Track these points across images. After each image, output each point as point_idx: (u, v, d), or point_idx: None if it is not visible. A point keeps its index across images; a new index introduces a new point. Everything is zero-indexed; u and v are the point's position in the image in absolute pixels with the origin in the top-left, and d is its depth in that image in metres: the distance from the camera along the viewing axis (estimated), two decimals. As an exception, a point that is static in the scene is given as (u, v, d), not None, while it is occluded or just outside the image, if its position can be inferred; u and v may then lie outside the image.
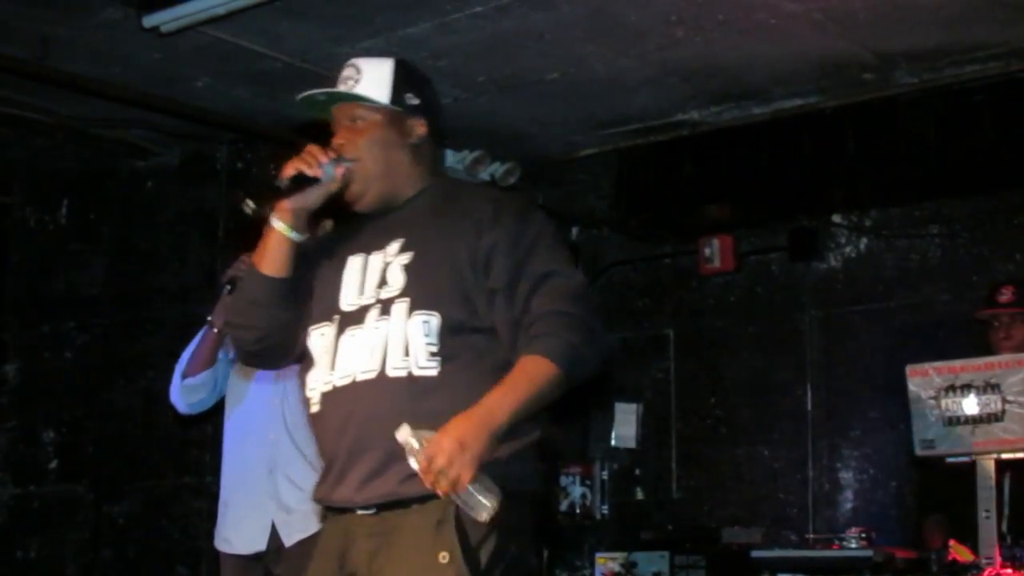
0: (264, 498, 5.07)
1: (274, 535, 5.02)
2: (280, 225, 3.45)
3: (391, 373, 3.31)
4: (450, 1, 5.79)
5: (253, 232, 3.56)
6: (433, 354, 3.30)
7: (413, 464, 3.11)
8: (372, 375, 3.33)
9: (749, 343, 7.90)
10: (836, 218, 7.76)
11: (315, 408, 3.46)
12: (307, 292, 3.55)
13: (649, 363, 8.20)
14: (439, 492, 3.10)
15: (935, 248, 7.51)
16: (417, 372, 3.29)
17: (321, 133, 3.56)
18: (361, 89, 3.55)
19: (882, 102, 7.04)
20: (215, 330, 5.11)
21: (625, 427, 8.07)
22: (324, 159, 3.42)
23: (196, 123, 7.12)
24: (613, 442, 8.07)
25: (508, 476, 3.21)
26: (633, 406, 8.09)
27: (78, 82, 6.48)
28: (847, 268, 7.70)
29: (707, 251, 7.91)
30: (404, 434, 3.11)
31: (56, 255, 8.47)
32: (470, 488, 3.09)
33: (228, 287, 4.95)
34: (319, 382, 3.43)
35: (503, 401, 3.20)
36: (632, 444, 8.07)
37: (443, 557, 3.14)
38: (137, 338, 7.85)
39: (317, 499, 3.48)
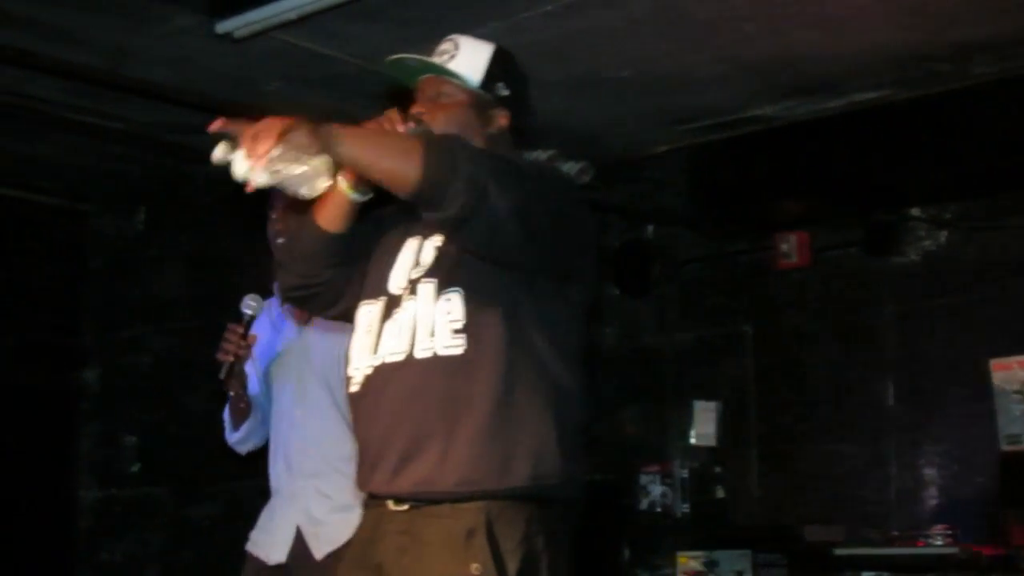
0: (291, 506, 5.09)
1: (297, 547, 5.00)
2: (343, 182, 3.36)
3: (418, 355, 3.28)
4: (521, 0, 5.79)
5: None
6: (457, 331, 3.25)
7: (220, 154, 3.06)
8: (400, 357, 3.31)
9: (827, 339, 7.85)
10: (915, 211, 7.68)
11: (354, 388, 3.45)
12: (361, 258, 3.54)
13: (727, 361, 8.15)
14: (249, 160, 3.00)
15: (1016, 240, 7.42)
16: (442, 352, 3.25)
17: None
18: (454, 65, 3.56)
19: (958, 93, 6.96)
20: (231, 394, 5.16)
21: (704, 425, 8.03)
22: (400, 127, 3.38)
23: (269, 127, 7.14)
24: (692, 440, 8.04)
25: (535, 478, 3.18)
26: (712, 404, 8.05)
27: (152, 89, 6.51)
28: (926, 262, 7.63)
29: (784, 247, 7.85)
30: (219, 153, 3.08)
31: (134, 261, 8.53)
32: (281, 158, 2.98)
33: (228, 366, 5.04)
34: (362, 363, 3.42)
35: (349, 127, 3.13)
36: (712, 442, 8.04)
37: (475, 569, 3.09)
38: (215, 341, 7.84)
39: (357, 485, 3.46)
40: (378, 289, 3.45)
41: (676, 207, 8.24)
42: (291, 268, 3.60)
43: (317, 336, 5.15)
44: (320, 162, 3.05)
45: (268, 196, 5.17)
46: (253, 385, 5.25)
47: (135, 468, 8.47)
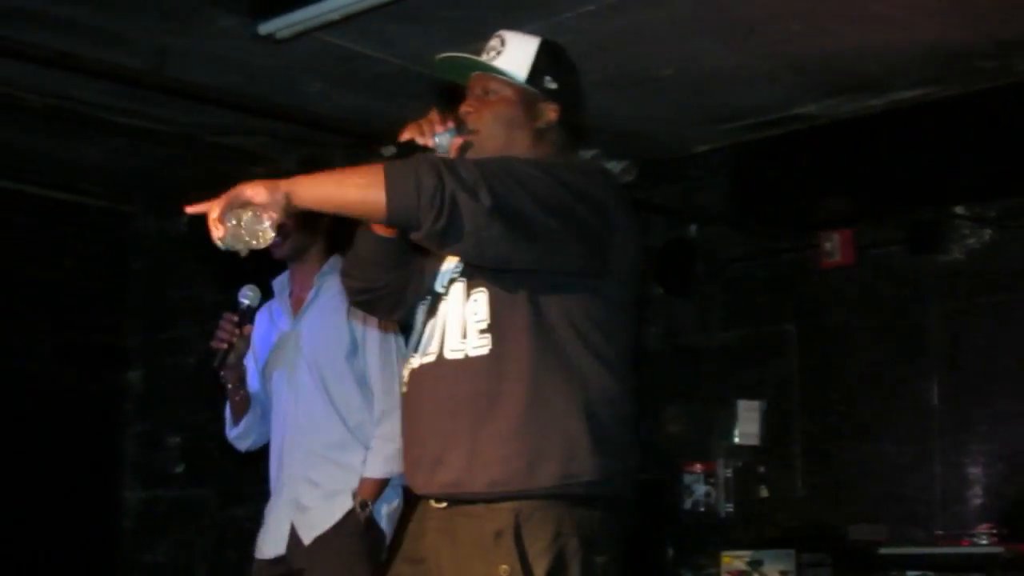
0: (282, 500, 5.10)
1: (293, 536, 5.02)
2: None
3: (448, 355, 3.30)
4: (563, 0, 5.78)
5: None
6: (482, 331, 3.25)
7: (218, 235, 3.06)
8: (432, 358, 3.34)
9: (871, 338, 7.80)
10: (959, 209, 7.63)
11: (404, 388, 3.47)
12: (421, 260, 3.54)
13: (770, 360, 8.12)
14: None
15: (1061, 238, 7.38)
16: (472, 353, 3.25)
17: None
18: (500, 62, 3.54)
19: (1001, 90, 6.94)
20: (228, 387, 5.18)
21: (748, 424, 8.00)
22: (440, 128, 3.38)
23: (312, 129, 7.16)
24: (736, 439, 8.01)
25: (566, 477, 3.17)
26: (756, 403, 8.01)
27: (195, 91, 6.54)
28: (971, 260, 7.57)
29: (827, 245, 7.82)
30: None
31: (177, 262, 8.56)
32: (229, 216, 3.04)
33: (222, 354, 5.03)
34: (411, 363, 3.44)
35: (307, 175, 3.12)
36: (755, 442, 8.00)
37: (503, 571, 3.10)
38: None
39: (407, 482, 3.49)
40: (429, 289, 3.47)
41: (719, 206, 8.22)
42: (352, 274, 3.61)
43: (308, 325, 5.16)
44: (254, 213, 3.05)
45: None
46: (253, 380, 5.27)
47: (179, 469, 8.50)
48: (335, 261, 5.22)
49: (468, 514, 3.22)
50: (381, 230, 3.44)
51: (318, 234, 5.21)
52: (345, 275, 3.66)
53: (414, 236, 3.10)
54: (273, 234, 3.06)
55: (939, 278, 7.60)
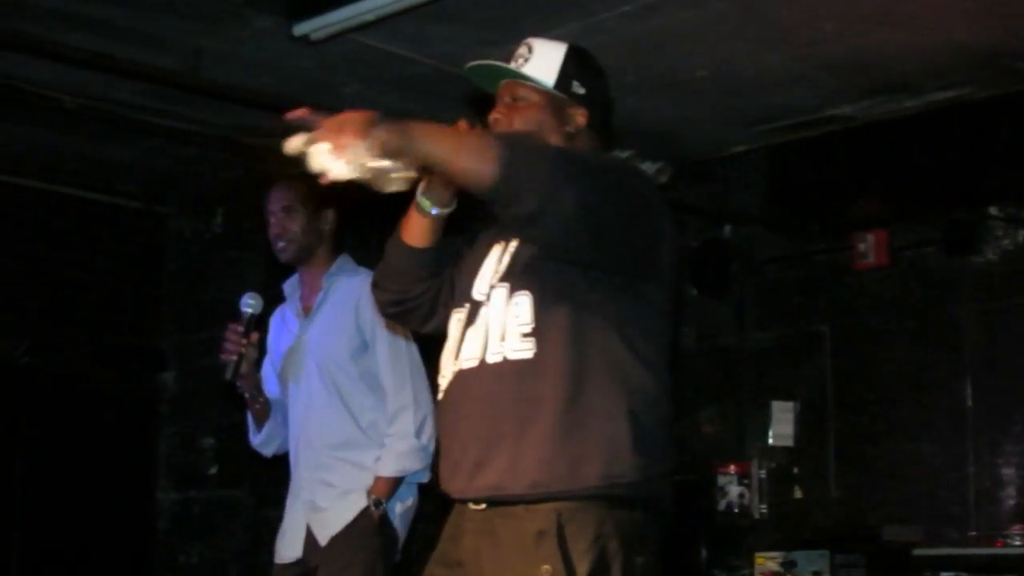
0: (298, 502, 5.09)
1: (309, 538, 4.99)
2: (421, 198, 3.40)
3: (490, 360, 3.29)
4: (598, 1, 5.78)
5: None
6: (526, 335, 3.24)
7: (297, 144, 2.97)
8: (475, 363, 3.32)
9: (906, 339, 7.79)
10: (993, 210, 7.61)
11: (440, 396, 3.46)
12: (451, 269, 3.56)
13: (804, 361, 8.11)
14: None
15: (1095, 239, 7.36)
16: (512, 356, 3.25)
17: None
18: (528, 69, 3.52)
19: (1037, 91, 6.94)
20: (247, 396, 5.15)
21: (782, 425, 7.99)
22: None
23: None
24: (770, 441, 8.01)
25: (607, 478, 3.16)
26: (790, 404, 8.01)
27: (230, 92, 6.55)
28: (1004, 260, 7.56)
29: (861, 246, 7.81)
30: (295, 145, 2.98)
31: (212, 263, 8.58)
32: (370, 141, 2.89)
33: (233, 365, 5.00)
34: (447, 371, 3.42)
35: (422, 123, 3.03)
36: (789, 443, 8.00)
37: (546, 571, 3.08)
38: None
39: (440, 487, 3.48)
40: (465, 296, 3.45)
41: (754, 207, 8.22)
42: (384, 285, 3.63)
43: (318, 327, 5.14)
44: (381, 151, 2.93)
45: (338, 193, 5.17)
46: (271, 386, 5.27)
47: (213, 470, 8.52)
48: (343, 261, 5.21)
49: (509, 515, 3.21)
50: (412, 238, 3.48)
51: (323, 234, 5.20)
52: (375, 287, 3.67)
53: (499, 211, 3.08)
54: (408, 183, 3.00)
55: (973, 279, 7.59)
